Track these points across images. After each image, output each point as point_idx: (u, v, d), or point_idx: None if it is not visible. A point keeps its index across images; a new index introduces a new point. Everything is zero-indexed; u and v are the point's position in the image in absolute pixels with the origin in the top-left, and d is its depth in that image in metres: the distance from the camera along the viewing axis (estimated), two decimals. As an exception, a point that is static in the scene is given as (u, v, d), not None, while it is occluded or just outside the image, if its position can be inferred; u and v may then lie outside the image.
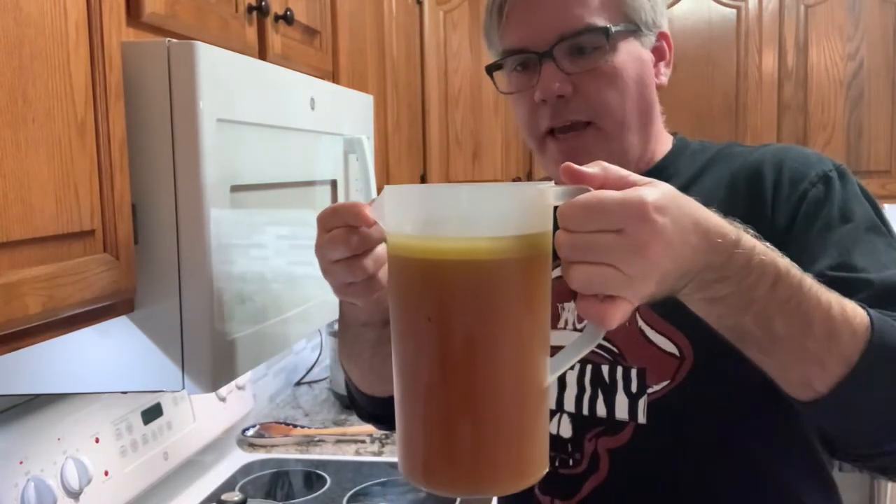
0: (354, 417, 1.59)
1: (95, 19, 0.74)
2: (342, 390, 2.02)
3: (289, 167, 1.05)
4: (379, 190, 1.32)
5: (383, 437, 1.96)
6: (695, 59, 2.49)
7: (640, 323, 0.89)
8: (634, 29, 0.91)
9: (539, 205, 0.58)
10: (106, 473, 1.30)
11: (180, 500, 1.58)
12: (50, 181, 0.68)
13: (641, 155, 0.95)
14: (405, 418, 0.63)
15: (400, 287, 0.62)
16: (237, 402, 1.83)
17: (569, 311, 0.94)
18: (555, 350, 0.62)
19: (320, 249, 0.72)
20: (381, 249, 0.73)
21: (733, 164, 0.92)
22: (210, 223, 0.82)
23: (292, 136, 1.05)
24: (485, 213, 0.58)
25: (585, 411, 0.92)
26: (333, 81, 1.48)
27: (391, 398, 0.97)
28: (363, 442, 1.95)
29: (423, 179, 2.64)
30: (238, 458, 1.86)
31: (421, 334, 0.60)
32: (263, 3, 1.14)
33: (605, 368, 0.90)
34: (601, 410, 0.90)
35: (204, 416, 1.65)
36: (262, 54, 1.17)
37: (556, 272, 0.59)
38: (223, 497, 1.49)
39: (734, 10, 2.49)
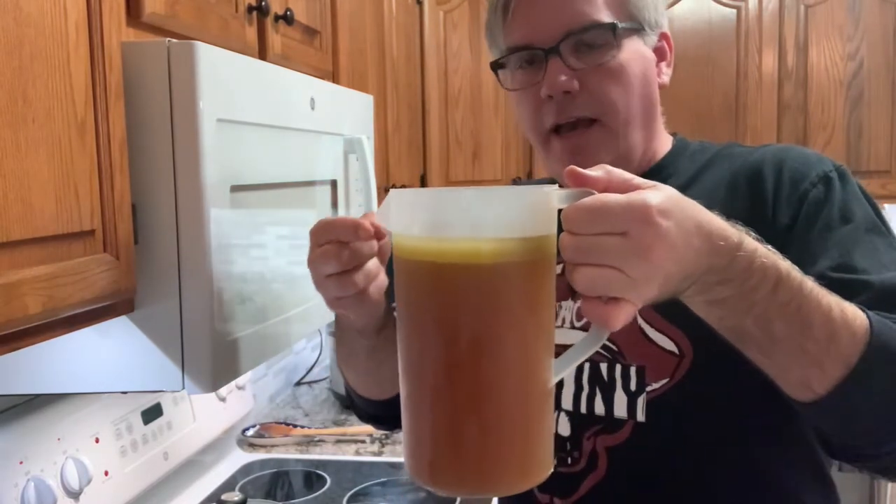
0: (354, 417, 1.59)
1: (95, 19, 0.74)
2: (342, 390, 2.03)
3: (289, 167, 1.05)
4: (379, 190, 1.32)
5: (383, 437, 1.96)
6: (695, 59, 2.49)
7: (640, 321, 0.89)
8: (638, 27, 0.91)
9: (544, 208, 0.58)
10: (106, 473, 1.30)
11: (180, 500, 1.58)
12: (50, 181, 0.68)
13: (643, 154, 0.95)
14: (411, 419, 0.63)
15: (406, 289, 0.62)
16: (237, 402, 1.83)
17: (566, 309, 0.94)
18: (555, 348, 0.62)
19: (312, 263, 0.74)
20: (372, 264, 0.74)
21: (733, 164, 0.93)
22: (210, 223, 0.82)
23: (292, 136, 1.05)
24: (490, 216, 0.58)
25: (584, 409, 0.92)
26: (333, 81, 1.48)
27: (388, 400, 0.98)
28: (363, 442, 1.95)
29: (424, 179, 2.64)
30: (238, 458, 1.86)
31: (427, 336, 0.61)
32: (263, 3, 1.14)
33: (603, 366, 0.90)
34: (600, 409, 0.90)
35: (204, 416, 1.65)
36: (262, 54, 1.17)
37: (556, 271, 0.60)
38: (223, 497, 1.49)
39: (734, 10, 2.49)
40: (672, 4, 2.50)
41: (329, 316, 1.14)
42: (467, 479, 0.61)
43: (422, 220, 0.61)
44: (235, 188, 0.88)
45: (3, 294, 0.62)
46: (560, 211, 0.57)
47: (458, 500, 1.58)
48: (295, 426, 2.03)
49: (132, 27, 0.83)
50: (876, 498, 2.49)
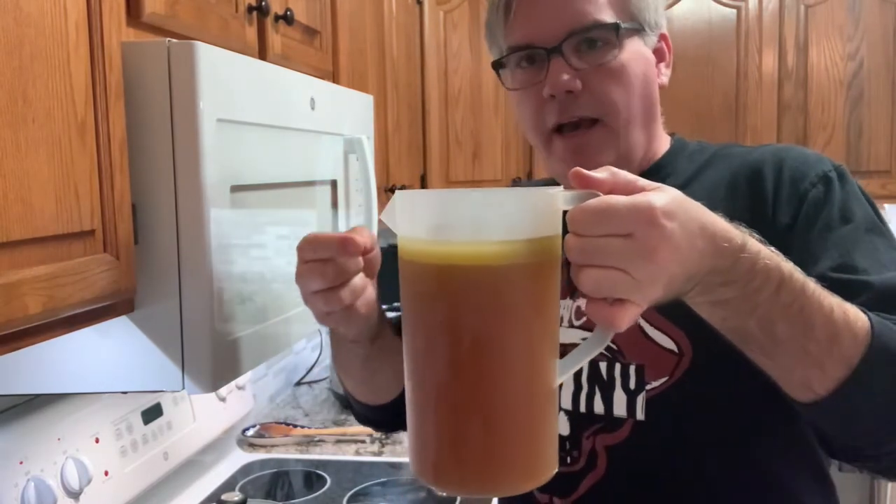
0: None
1: (95, 19, 0.74)
2: (342, 390, 2.02)
3: (289, 167, 1.05)
4: (379, 190, 1.32)
5: (383, 437, 1.96)
6: (695, 59, 2.49)
7: (640, 319, 0.88)
8: (639, 28, 0.92)
9: (549, 209, 0.58)
10: (106, 473, 1.30)
11: (180, 500, 1.58)
12: (50, 181, 0.68)
13: (644, 153, 0.95)
14: (416, 419, 0.63)
15: (411, 291, 0.62)
16: (237, 402, 1.83)
17: (565, 307, 0.94)
18: None
19: (299, 279, 0.74)
20: (358, 280, 0.74)
21: (733, 163, 0.93)
22: (210, 223, 0.82)
23: (292, 136, 1.05)
24: (495, 218, 0.58)
25: (583, 408, 0.92)
26: (333, 81, 1.48)
27: (385, 405, 0.98)
28: (363, 442, 1.95)
29: (424, 179, 2.64)
30: (238, 458, 1.86)
31: (432, 337, 0.61)
32: (263, 3, 1.14)
33: (602, 365, 0.90)
34: (599, 407, 0.90)
35: (204, 416, 1.65)
36: (262, 54, 1.17)
37: None
38: (223, 497, 1.49)
39: (734, 10, 2.49)
40: (672, 4, 2.50)
41: (329, 316, 1.14)
42: (472, 479, 0.61)
43: (427, 223, 0.61)
44: (235, 188, 0.88)
45: (3, 294, 0.62)
46: (565, 212, 0.58)
47: (459, 499, 1.59)
48: (295, 426, 2.03)
49: (132, 27, 0.83)
50: (876, 498, 2.49)
